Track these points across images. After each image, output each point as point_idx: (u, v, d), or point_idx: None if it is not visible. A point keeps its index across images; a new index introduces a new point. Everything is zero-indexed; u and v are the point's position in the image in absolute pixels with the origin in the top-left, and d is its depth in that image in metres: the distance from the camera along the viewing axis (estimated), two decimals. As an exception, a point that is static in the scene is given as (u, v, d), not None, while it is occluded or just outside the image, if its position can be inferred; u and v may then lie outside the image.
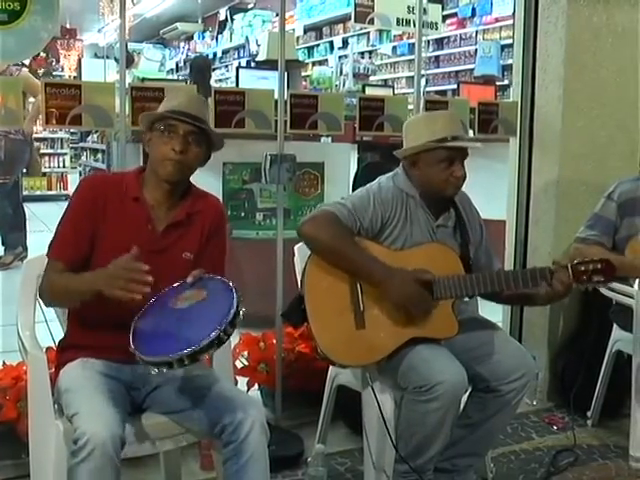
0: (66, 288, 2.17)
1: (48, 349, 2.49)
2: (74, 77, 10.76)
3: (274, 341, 3.33)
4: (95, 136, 8.53)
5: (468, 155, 2.58)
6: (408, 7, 5.06)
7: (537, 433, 3.50)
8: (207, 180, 4.38)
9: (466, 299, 2.68)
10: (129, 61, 10.27)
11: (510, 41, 7.34)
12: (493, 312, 3.75)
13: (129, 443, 2.00)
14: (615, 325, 3.43)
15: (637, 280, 3.20)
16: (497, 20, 8.93)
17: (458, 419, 2.51)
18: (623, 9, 3.79)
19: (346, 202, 2.53)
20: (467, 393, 2.57)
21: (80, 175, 9.67)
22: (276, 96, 3.19)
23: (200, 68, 6.23)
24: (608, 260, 2.52)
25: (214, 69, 11.71)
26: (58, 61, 13.56)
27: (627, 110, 3.88)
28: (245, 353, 3.37)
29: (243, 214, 4.45)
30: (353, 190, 3.45)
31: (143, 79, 7.07)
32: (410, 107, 3.67)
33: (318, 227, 2.48)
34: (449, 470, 2.59)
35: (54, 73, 12.40)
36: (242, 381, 3.33)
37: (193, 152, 2.24)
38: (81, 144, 10.49)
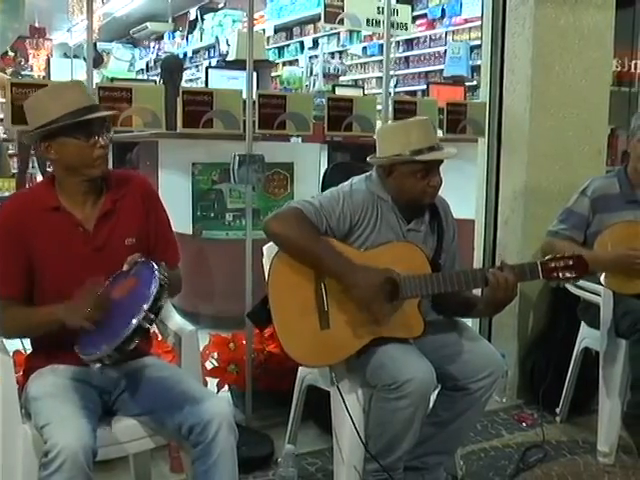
0: (28, 326, 2.18)
1: (16, 352, 2.47)
2: (43, 77, 10.63)
3: (244, 342, 3.32)
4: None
5: (442, 162, 2.58)
6: (378, 8, 5.09)
7: (507, 430, 3.52)
8: (176, 180, 4.40)
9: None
10: (98, 61, 10.20)
11: (479, 42, 7.38)
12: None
13: (99, 446, 1.98)
14: (583, 322, 3.46)
15: (603, 276, 3.24)
16: (466, 21, 8.97)
17: (427, 417, 2.52)
18: (589, 11, 3.83)
19: (314, 201, 2.53)
20: (436, 391, 2.58)
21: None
22: (244, 96, 3.18)
23: (169, 68, 6.17)
24: (580, 256, 2.53)
25: (185, 69, 11.65)
26: (27, 60, 13.41)
27: (594, 110, 3.93)
28: (215, 354, 3.36)
29: (213, 215, 4.44)
30: (322, 190, 3.44)
31: (112, 79, 7.01)
32: (379, 107, 3.68)
33: (284, 223, 2.48)
34: (419, 468, 2.60)
35: (23, 73, 12.24)
36: (212, 382, 3.33)
37: (109, 139, 2.22)
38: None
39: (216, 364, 3.36)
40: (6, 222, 2.23)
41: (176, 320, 2.51)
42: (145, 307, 1.95)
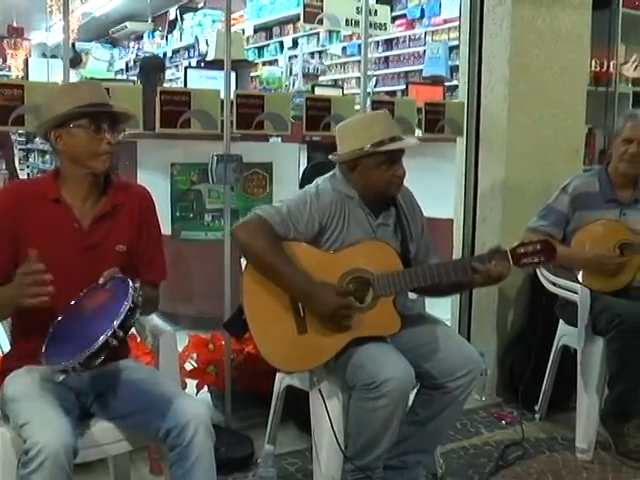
0: None
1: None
2: (21, 77, 10.55)
3: (223, 342, 3.31)
4: (43, 137, 8.33)
5: (405, 152, 2.58)
6: (357, 8, 5.08)
7: (486, 428, 3.54)
8: (155, 181, 4.37)
9: (413, 296, 2.69)
10: (76, 61, 10.14)
11: (458, 42, 7.41)
12: (442, 310, 3.80)
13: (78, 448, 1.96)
14: (561, 320, 3.49)
15: (580, 274, 3.26)
16: (445, 21, 8.98)
17: (406, 416, 2.53)
18: (566, 12, 3.86)
19: (282, 207, 2.52)
20: (415, 390, 2.58)
21: (28, 176, 9.50)
22: (222, 96, 3.16)
23: (147, 68, 6.14)
24: (547, 240, 2.56)
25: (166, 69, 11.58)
26: (5, 61, 13.31)
27: (571, 110, 3.96)
28: (194, 355, 3.35)
29: (191, 215, 4.41)
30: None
31: (91, 79, 6.95)
32: (357, 107, 3.68)
33: (249, 233, 2.48)
34: (398, 467, 2.60)
35: (0, 73, 12.15)
36: (192, 383, 3.31)
37: (116, 140, 2.24)
38: (29, 145, 10.31)
39: (195, 365, 3.34)
40: (1, 206, 2.24)
41: (154, 321, 2.49)
42: (114, 324, 1.94)
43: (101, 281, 2.12)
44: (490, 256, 2.49)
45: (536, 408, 3.64)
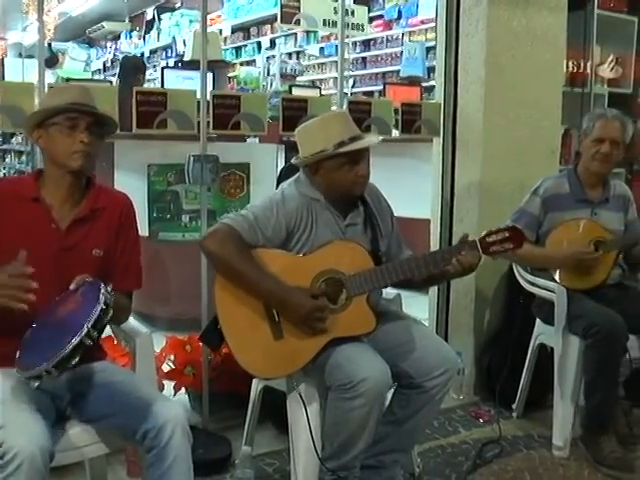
0: None
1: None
2: (-3, 77, 10.44)
3: (200, 344, 3.28)
4: (20, 138, 8.31)
5: (369, 151, 2.58)
6: (334, 9, 5.08)
7: (464, 427, 3.55)
8: (132, 182, 4.34)
9: (390, 296, 2.70)
10: (53, 61, 10.06)
11: (435, 43, 7.45)
12: (419, 309, 3.82)
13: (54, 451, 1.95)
14: (537, 319, 3.51)
15: (557, 273, 3.28)
16: (423, 22, 9.01)
17: (383, 416, 2.53)
18: (542, 13, 3.89)
19: (248, 213, 2.51)
20: (392, 390, 2.59)
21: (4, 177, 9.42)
22: (198, 96, 3.15)
23: (125, 68, 6.11)
24: (515, 227, 2.57)
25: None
26: (-19, 60, 13.16)
27: (546, 111, 3.98)
28: (171, 356, 3.33)
29: (169, 216, 4.39)
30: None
31: (68, 79, 6.90)
32: (334, 107, 3.68)
33: (217, 243, 2.46)
34: (376, 467, 2.60)
35: (-24, 73, 12.02)
36: (169, 385, 3.30)
37: (96, 143, 2.25)
38: (5, 146, 10.21)
39: (173, 366, 3.33)
40: None
41: (131, 323, 2.48)
42: (87, 325, 1.93)
43: (72, 286, 2.11)
44: (459, 246, 2.50)
45: (513, 406, 3.66)
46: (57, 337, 1.97)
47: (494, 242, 2.49)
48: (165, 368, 3.33)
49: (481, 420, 3.62)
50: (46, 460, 1.85)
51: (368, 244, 2.62)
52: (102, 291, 2.01)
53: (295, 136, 2.67)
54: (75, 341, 1.91)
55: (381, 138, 2.66)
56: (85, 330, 1.92)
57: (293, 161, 2.66)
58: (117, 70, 7.25)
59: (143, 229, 4.27)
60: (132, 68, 6.05)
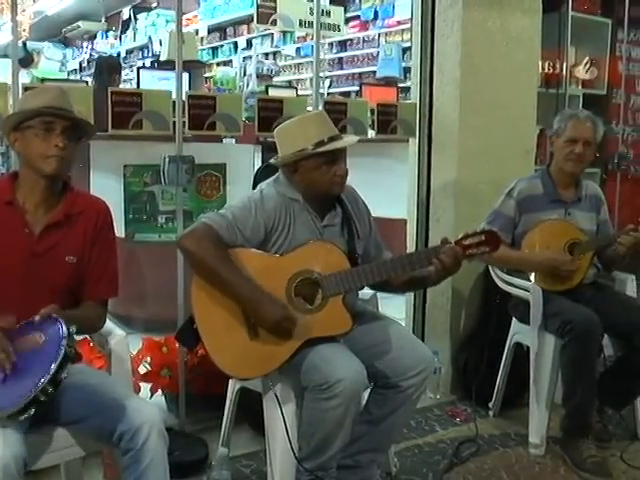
0: None
1: None
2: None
3: (177, 345, 3.27)
4: (-6, 139, 8.18)
5: (347, 150, 2.59)
6: (310, 9, 5.07)
7: (440, 426, 3.57)
8: (108, 183, 4.32)
9: (366, 297, 2.70)
10: (28, 60, 9.96)
11: (411, 43, 7.47)
12: (396, 310, 3.82)
13: (30, 456, 1.94)
14: (513, 318, 3.53)
15: (533, 274, 3.30)
16: (399, 23, 9.01)
17: (360, 415, 2.53)
18: (516, 15, 3.91)
19: (227, 213, 2.50)
20: (368, 389, 2.59)
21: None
22: (174, 97, 3.13)
23: (101, 68, 6.06)
24: (491, 230, 2.59)
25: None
26: (-46, 60, 13.00)
27: (521, 111, 4.01)
28: (148, 358, 3.31)
29: (145, 217, 4.37)
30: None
31: (43, 79, 6.84)
32: (309, 108, 3.67)
33: (195, 242, 2.45)
34: (352, 466, 2.60)
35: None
36: (145, 387, 3.28)
37: (71, 147, 2.22)
38: (-22, 147, 10.09)
39: (149, 368, 3.31)
40: None
41: (107, 325, 2.46)
42: (43, 381, 1.91)
43: (37, 319, 2.06)
44: (436, 249, 2.51)
45: (490, 405, 3.68)
46: (11, 384, 1.95)
47: (470, 245, 2.50)
48: (141, 370, 3.31)
49: (458, 419, 3.63)
50: (20, 467, 1.85)
51: (345, 245, 2.62)
52: (64, 342, 1.98)
53: (274, 136, 2.67)
54: (30, 396, 1.89)
55: (358, 138, 2.66)
56: (40, 386, 1.90)
57: (272, 161, 2.66)
58: (93, 70, 7.19)
59: (119, 230, 4.26)
60: (108, 68, 6.00)
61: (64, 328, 2.01)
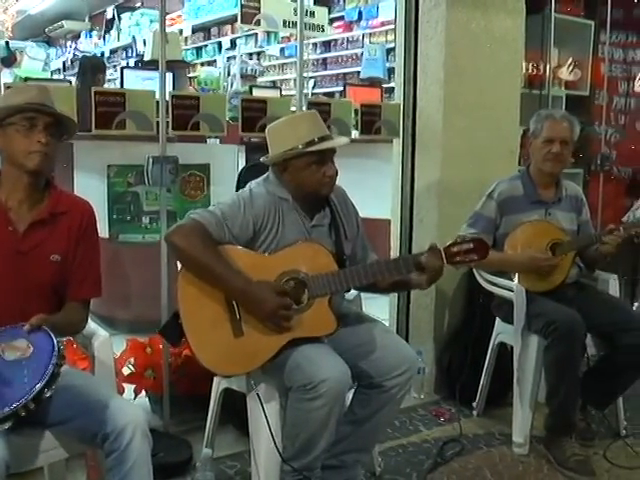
0: None
1: None
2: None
3: (161, 346, 3.27)
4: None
5: (336, 152, 2.59)
6: (294, 9, 5.07)
7: (424, 426, 3.57)
8: (91, 183, 4.30)
9: (350, 297, 2.70)
10: (10, 60, 9.88)
11: (395, 44, 7.47)
12: (380, 310, 3.83)
13: (12, 459, 1.93)
14: (497, 318, 3.54)
15: (516, 274, 3.31)
16: (383, 24, 9.02)
17: (344, 416, 2.53)
18: (500, 16, 3.92)
19: (216, 210, 2.51)
20: (352, 390, 2.59)
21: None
22: (157, 97, 3.12)
23: (84, 68, 6.03)
24: (480, 239, 2.60)
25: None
26: (-64, 59, 12.90)
27: (505, 112, 4.02)
28: (132, 359, 3.30)
29: (129, 217, 4.36)
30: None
31: (26, 79, 6.79)
32: (293, 108, 3.67)
33: (184, 237, 2.44)
34: (337, 467, 2.61)
35: None
36: (129, 388, 3.27)
37: (54, 144, 2.22)
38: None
39: (133, 370, 3.30)
40: None
41: (90, 326, 2.45)
42: (26, 398, 1.90)
43: (26, 327, 2.06)
44: (424, 255, 2.52)
45: (474, 405, 3.69)
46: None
47: (458, 252, 2.51)
48: (125, 371, 3.30)
49: (442, 419, 3.64)
50: (2, 470, 1.84)
51: (332, 246, 2.63)
52: (53, 360, 1.97)
53: (265, 135, 2.67)
54: (11, 410, 1.88)
55: (348, 140, 2.68)
56: (22, 404, 1.89)
57: (262, 159, 2.65)
58: (77, 70, 7.14)
59: (103, 231, 4.26)
60: (91, 68, 5.97)
61: (55, 345, 2.01)
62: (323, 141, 2.53)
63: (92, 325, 2.46)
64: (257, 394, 2.48)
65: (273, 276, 2.48)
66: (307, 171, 2.53)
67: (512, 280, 3.33)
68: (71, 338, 2.59)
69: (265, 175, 2.66)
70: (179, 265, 2.57)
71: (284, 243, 2.54)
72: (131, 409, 2.09)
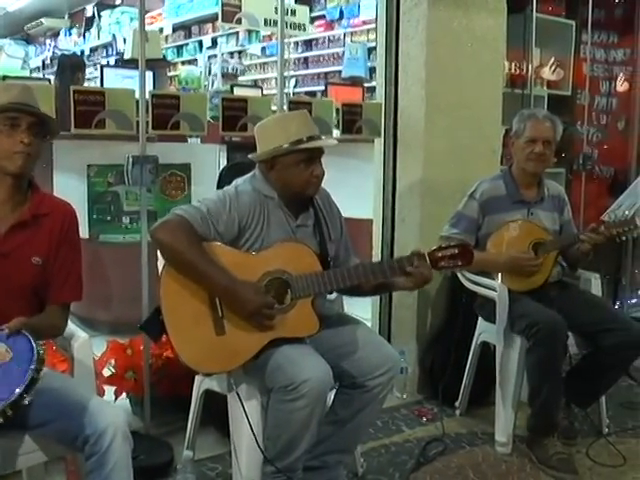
0: None
1: None
2: None
3: (142, 347, 3.26)
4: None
5: (324, 152, 2.60)
6: (275, 8, 5.07)
7: (407, 425, 3.58)
8: (71, 183, 4.27)
9: (332, 297, 2.70)
10: (-12, 58, 9.81)
11: (376, 43, 7.48)
12: (362, 309, 3.83)
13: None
14: (480, 317, 3.56)
15: (499, 276, 3.32)
16: (364, 23, 9.01)
17: (326, 416, 2.54)
18: (482, 15, 3.93)
19: (201, 206, 2.50)
20: (334, 390, 2.59)
21: None
22: (137, 96, 3.11)
23: (63, 67, 6.00)
24: (464, 244, 2.62)
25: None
26: None
27: (487, 111, 4.04)
28: (112, 361, 3.28)
29: (109, 218, 4.33)
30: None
31: (4, 77, 6.74)
32: (274, 108, 3.67)
33: (169, 233, 2.44)
34: (318, 467, 2.61)
35: None
36: (110, 390, 3.25)
37: (37, 144, 2.20)
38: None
39: (113, 371, 3.28)
40: None
41: (70, 327, 2.43)
42: (3, 404, 1.88)
43: (6, 331, 2.04)
44: (410, 259, 2.53)
45: (456, 404, 3.71)
46: None
47: (443, 257, 2.53)
48: (106, 373, 3.29)
49: (424, 418, 3.65)
50: None
51: (317, 247, 2.64)
52: (32, 367, 1.95)
53: (254, 132, 2.67)
54: None
55: (336, 141, 2.68)
56: (0, 409, 1.88)
57: (250, 156, 2.66)
58: (56, 68, 7.09)
59: (83, 231, 4.21)
60: (71, 66, 5.94)
61: (35, 351, 1.99)
62: (312, 140, 2.53)
63: (72, 326, 2.45)
64: (237, 393, 2.47)
65: (257, 275, 2.48)
66: (295, 169, 2.53)
67: (495, 279, 3.34)
68: (50, 340, 2.58)
69: (251, 173, 2.67)
70: (160, 267, 2.57)
71: (269, 241, 2.54)
72: (111, 411, 2.08)
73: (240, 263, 2.48)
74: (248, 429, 2.45)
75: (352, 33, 9.39)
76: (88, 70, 12.08)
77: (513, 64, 4.74)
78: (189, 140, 4.64)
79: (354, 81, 8.13)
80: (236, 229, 2.52)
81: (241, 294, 2.40)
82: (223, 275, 2.42)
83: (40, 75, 12.76)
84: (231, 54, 10.41)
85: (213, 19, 10.26)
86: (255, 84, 9.92)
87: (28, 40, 14.76)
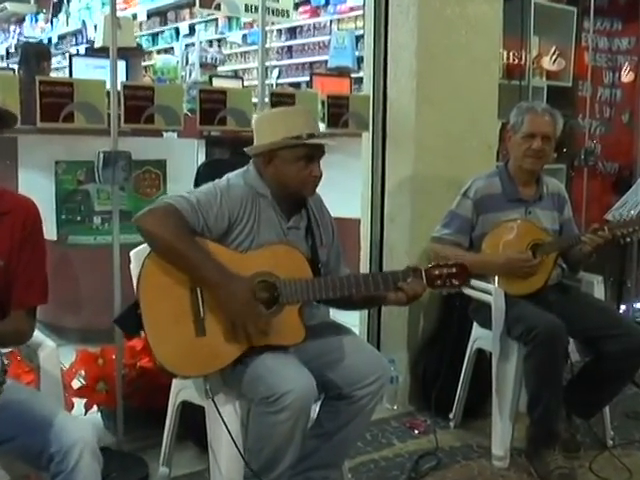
0: None
1: None
2: None
3: (114, 357, 3.25)
4: None
5: (324, 154, 2.61)
6: (257, -7, 5.06)
7: (398, 439, 3.59)
8: (37, 181, 4.26)
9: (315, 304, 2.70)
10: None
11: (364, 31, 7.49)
12: (350, 317, 3.82)
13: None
14: (475, 323, 3.56)
15: (495, 278, 3.33)
16: (352, 9, 9.03)
17: (311, 429, 2.54)
18: (476, 1, 3.94)
19: (190, 196, 2.50)
20: (319, 402, 2.59)
21: None
22: (108, 87, 3.10)
23: (27, 55, 5.98)
24: (462, 264, 2.61)
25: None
26: None
27: (482, 103, 4.04)
28: (82, 372, 3.27)
29: (79, 218, 4.32)
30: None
31: (-36, 67, 6.72)
32: (255, 100, 3.67)
33: (157, 221, 2.43)
34: (304, 484, 2.61)
35: None
36: (80, 403, 3.24)
37: None
38: None
39: (83, 382, 3.27)
40: None
41: (35, 335, 2.41)
42: None
43: None
44: (405, 274, 2.54)
45: (450, 415, 3.71)
46: None
47: (440, 276, 2.55)
48: (75, 384, 3.28)
49: (416, 431, 3.66)
50: None
51: (308, 251, 2.65)
52: None
53: (252, 125, 2.70)
54: None
55: (335, 142, 2.69)
56: None
57: (246, 149, 2.66)
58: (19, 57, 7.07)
59: (51, 232, 4.22)
60: (35, 55, 5.92)
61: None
62: (313, 138, 2.55)
63: (38, 335, 2.42)
64: (213, 401, 2.46)
65: (246, 276, 2.48)
66: (294, 166, 2.54)
67: (491, 282, 3.35)
68: (14, 350, 2.57)
69: (245, 167, 2.67)
70: (134, 270, 2.56)
71: (258, 240, 2.55)
72: (79, 426, 2.07)
73: (228, 262, 2.47)
74: (228, 440, 2.43)
75: (339, 20, 9.40)
76: (56, 59, 12.05)
77: (510, 53, 4.76)
78: (165, 135, 4.63)
79: (341, 71, 8.15)
80: (226, 223, 2.52)
81: (229, 287, 2.39)
82: (213, 266, 2.41)
83: (3, 64, 12.69)
84: (210, 42, 10.41)
85: (190, 5, 10.27)
86: (236, 75, 9.93)
87: (-8, 26, 14.70)
